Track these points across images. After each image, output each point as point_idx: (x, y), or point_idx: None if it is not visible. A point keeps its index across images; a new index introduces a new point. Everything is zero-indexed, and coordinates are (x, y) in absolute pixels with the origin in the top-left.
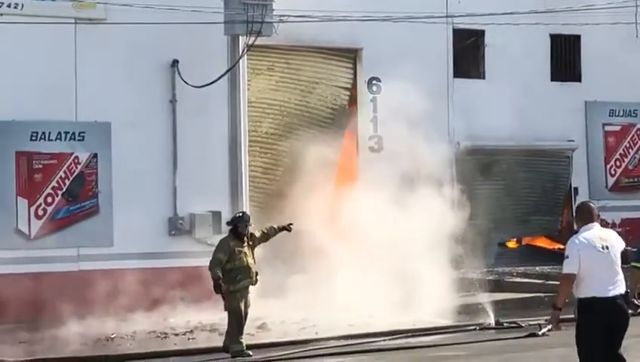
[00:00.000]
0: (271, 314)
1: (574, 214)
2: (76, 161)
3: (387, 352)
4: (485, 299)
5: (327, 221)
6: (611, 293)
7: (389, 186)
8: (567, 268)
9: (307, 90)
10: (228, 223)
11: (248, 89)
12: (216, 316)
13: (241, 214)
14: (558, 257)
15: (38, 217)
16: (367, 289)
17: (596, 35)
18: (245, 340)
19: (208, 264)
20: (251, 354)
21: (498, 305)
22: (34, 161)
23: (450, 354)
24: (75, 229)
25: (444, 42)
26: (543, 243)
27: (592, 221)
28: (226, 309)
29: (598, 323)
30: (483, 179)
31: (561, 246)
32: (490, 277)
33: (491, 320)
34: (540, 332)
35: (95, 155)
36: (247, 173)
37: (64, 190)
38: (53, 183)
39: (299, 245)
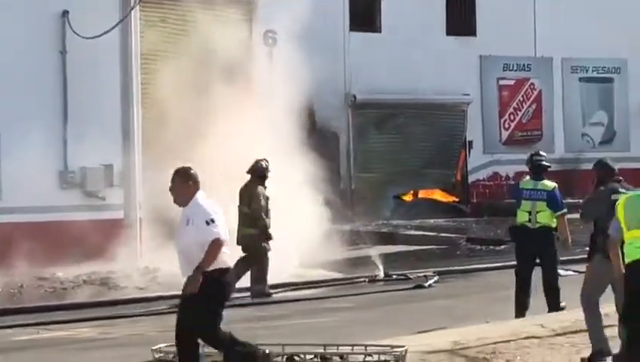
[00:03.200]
0: (162, 265)
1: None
2: None
3: (275, 304)
4: (375, 251)
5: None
6: None
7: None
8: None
9: (201, 42)
10: (255, 171)
11: (141, 41)
12: (105, 270)
13: (267, 163)
14: (453, 210)
15: None
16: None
17: None
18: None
19: (258, 214)
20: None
21: (390, 258)
22: None
23: (337, 306)
24: None
25: None
26: (438, 196)
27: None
28: (255, 255)
29: None
30: (379, 133)
31: (456, 199)
32: (385, 230)
33: (381, 272)
34: (426, 284)
35: None
36: (140, 126)
37: None
38: None
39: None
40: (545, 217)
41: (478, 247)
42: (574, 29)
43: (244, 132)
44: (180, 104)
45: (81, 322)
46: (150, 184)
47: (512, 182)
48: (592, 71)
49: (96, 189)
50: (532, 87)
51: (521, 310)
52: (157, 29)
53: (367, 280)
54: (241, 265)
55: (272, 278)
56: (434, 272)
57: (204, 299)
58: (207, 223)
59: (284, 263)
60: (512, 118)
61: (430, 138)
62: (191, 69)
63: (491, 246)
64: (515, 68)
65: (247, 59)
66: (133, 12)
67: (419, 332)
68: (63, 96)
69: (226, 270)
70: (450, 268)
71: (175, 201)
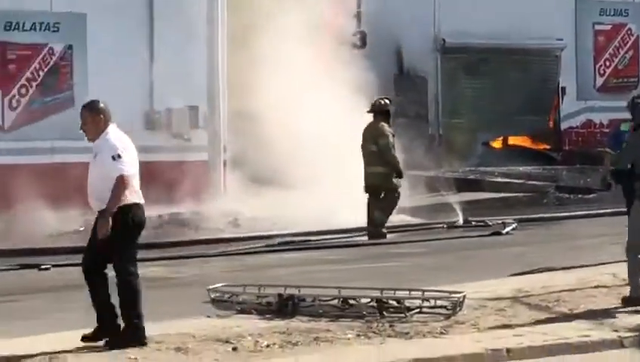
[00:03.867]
0: (244, 208)
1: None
2: (51, 52)
3: (348, 248)
4: (459, 198)
5: (304, 119)
6: None
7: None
8: None
9: None
10: (377, 109)
11: None
12: (187, 211)
13: (389, 99)
14: (543, 157)
15: (12, 108)
16: (335, 187)
17: None
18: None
19: (388, 151)
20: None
21: (474, 205)
22: (8, 52)
23: (411, 251)
24: (50, 121)
25: None
26: (528, 143)
27: None
28: (385, 195)
29: None
30: (469, 78)
31: (547, 147)
32: (472, 177)
33: (460, 218)
34: (503, 231)
35: (70, 47)
36: (225, 68)
37: (38, 81)
38: (28, 74)
39: (277, 143)
40: None
41: (567, 196)
42: None
43: (331, 76)
44: (266, 48)
45: (155, 261)
46: (235, 126)
47: (607, 130)
48: None
49: (181, 131)
50: (629, 32)
51: None
52: None
53: (445, 226)
54: (377, 206)
55: (349, 223)
56: (514, 220)
57: (114, 234)
58: (114, 158)
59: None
60: (607, 64)
61: (522, 84)
62: (277, 11)
63: (580, 195)
64: (611, 13)
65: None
66: None
67: (487, 279)
68: (149, 37)
69: (135, 205)
70: (532, 215)
71: (88, 137)
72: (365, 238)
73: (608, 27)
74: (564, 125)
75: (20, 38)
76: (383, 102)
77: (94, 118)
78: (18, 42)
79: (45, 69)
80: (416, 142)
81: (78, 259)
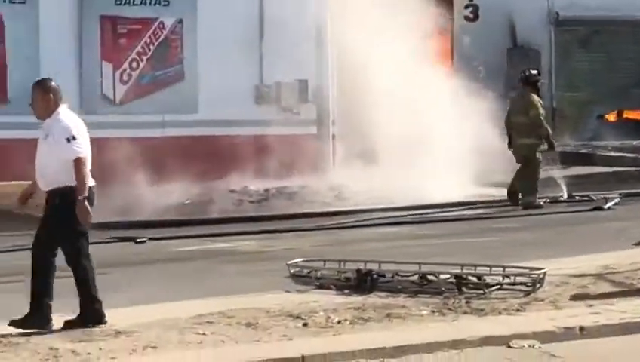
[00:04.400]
0: (351, 182)
1: None
2: (161, 26)
3: (441, 223)
4: (567, 172)
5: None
6: None
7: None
8: None
9: None
10: (527, 80)
11: None
12: (295, 184)
13: (537, 70)
14: None
15: (123, 82)
16: (441, 162)
17: None
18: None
19: (539, 121)
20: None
21: (583, 179)
22: (119, 26)
23: (506, 226)
24: (160, 95)
25: None
26: None
27: None
28: (530, 163)
29: None
30: (583, 51)
31: None
32: (584, 151)
33: (564, 193)
34: (605, 206)
35: (180, 21)
36: (332, 42)
37: (149, 55)
38: (138, 48)
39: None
40: None
41: None
42: None
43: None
44: (375, 21)
45: (250, 235)
46: (344, 100)
47: None
48: None
49: (290, 104)
50: None
51: None
52: None
53: (547, 200)
54: (524, 176)
55: (445, 197)
56: (620, 194)
57: (58, 215)
58: (68, 140)
59: (461, 181)
60: None
61: (636, 56)
62: None
63: None
64: None
65: None
66: None
67: (578, 256)
68: (259, 9)
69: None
70: (637, 190)
71: (36, 115)
72: (465, 213)
73: None
74: None
75: (130, 12)
76: (530, 72)
77: (44, 97)
78: (129, 17)
79: (156, 43)
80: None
81: (180, 231)
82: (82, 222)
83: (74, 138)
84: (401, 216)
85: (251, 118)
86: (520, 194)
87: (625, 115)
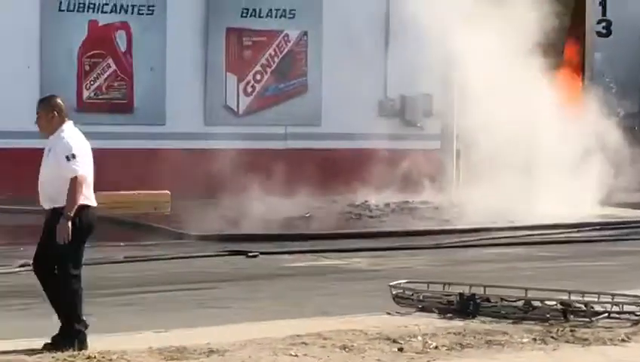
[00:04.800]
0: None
1: None
2: (286, 38)
3: (561, 244)
4: None
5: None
6: None
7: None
8: None
9: None
10: None
11: None
12: (417, 199)
13: None
14: None
15: (246, 94)
16: (566, 181)
17: None
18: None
19: None
20: None
21: None
22: (244, 38)
23: (625, 249)
24: (283, 107)
25: None
26: None
27: None
28: None
29: None
30: None
31: None
32: None
33: None
34: None
35: (305, 33)
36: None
37: (273, 67)
38: (263, 60)
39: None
40: None
41: None
42: None
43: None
44: (502, 37)
45: (363, 251)
46: (469, 115)
47: None
48: None
49: (414, 118)
50: None
51: None
52: None
53: None
54: None
55: (569, 217)
56: None
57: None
58: (68, 158)
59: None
60: None
61: None
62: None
63: None
64: None
65: None
66: None
67: None
68: (385, 23)
69: (85, 207)
70: None
71: (41, 131)
72: (587, 234)
73: None
74: None
75: (256, 24)
76: None
77: (48, 113)
78: (254, 29)
79: (280, 55)
80: None
81: (294, 246)
82: (58, 240)
83: (74, 156)
84: (520, 236)
85: (374, 131)
86: None
87: None
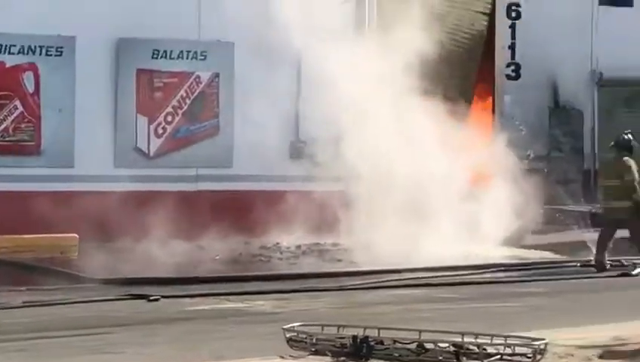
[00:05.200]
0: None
1: None
2: (197, 80)
3: (464, 286)
4: (585, 236)
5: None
6: None
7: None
8: None
9: (443, 13)
10: (619, 144)
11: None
12: (329, 241)
13: (631, 135)
14: None
15: (157, 135)
16: (461, 223)
17: None
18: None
19: (634, 187)
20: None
21: (623, 243)
22: (155, 80)
23: (525, 290)
24: (195, 149)
25: None
26: None
27: None
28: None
29: None
30: (627, 112)
31: None
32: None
33: (592, 257)
34: (633, 272)
35: (217, 75)
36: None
37: (185, 109)
38: (174, 102)
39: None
40: None
41: None
42: None
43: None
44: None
45: (267, 294)
46: (373, 158)
47: None
48: None
49: (325, 160)
50: None
51: None
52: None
53: (578, 264)
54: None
55: (473, 258)
56: None
57: None
58: None
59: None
60: None
61: None
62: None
63: None
64: None
65: (489, 32)
66: None
67: (593, 324)
68: (297, 67)
69: None
70: None
71: None
72: (492, 275)
73: None
74: None
75: (167, 66)
76: (627, 137)
77: None
78: (165, 70)
79: (192, 97)
80: (570, 177)
81: (198, 289)
82: None
83: None
84: (423, 277)
85: (286, 173)
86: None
87: None
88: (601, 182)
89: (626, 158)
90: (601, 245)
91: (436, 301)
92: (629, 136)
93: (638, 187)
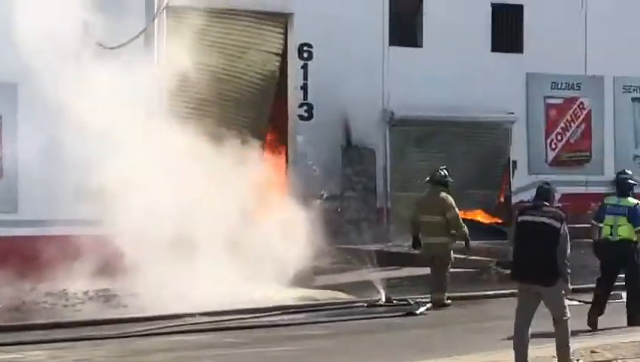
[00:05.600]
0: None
1: None
2: None
3: (250, 329)
4: (397, 274)
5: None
6: None
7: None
8: None
9: (236, 54)
10: (434, 179)
11: (173, 52)
12: (111, 286)
13: (445, 170)
14: (495, 232)
15: None
16: (249, 265)
17: (539, 5)
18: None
19: (459, 222)
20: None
21: (412, 281)
22: None
23: (311, 332)
24: None
25: (379, 9)
26: (480, 217)
27: None
28: (446, 262)
29: None
30: (418, 151)
31: (499, 221)
32: (416, 251)
33: (382, 296)
34: (417, 311)
35: (0, 117)
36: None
37: None
38: None
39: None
40: (625, 231)
41: (507, 272)
42: (628, 47)
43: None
44: (208, 117)
45: (46, 343)
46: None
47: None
48: None
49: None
50: (581, 106)
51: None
52: (189, 39)
53: (366, 304)
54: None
55: (261, 301)
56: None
57: None
58: None
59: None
60: (559, 138)
61: (472, 157)
62: (225, 81)
63: None
64: (563, 86)
65: (282, 73)
66: (159, 22)
67: None
68: None
69: None
70: (453, 294)
71: None
72: (278, 318)
73: (560, 101)
74: (515, 199)
75: None
76: (442, 173)
77: None
78: None
79: None
80: (363, 216)
81: None
82: None
83: None
84: (210, 321)
85: (72, 217)
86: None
87: (461, 216)
88: (421, 218)
89: (444, 195)
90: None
91: (216, 346)
92: (445, 171)
93: (461, 221)
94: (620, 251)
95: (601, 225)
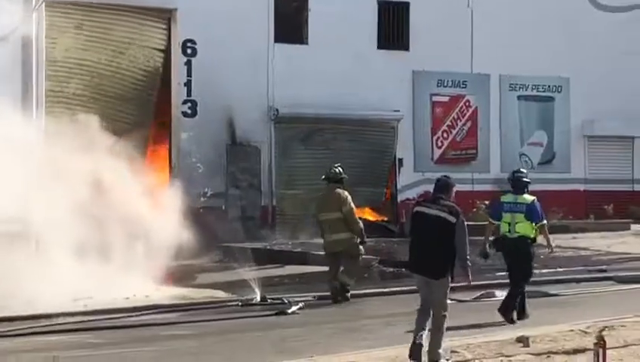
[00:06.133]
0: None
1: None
2: None
3: (116, 330)
4: (277, 272)
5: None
6: None
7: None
8: None
9: (118, 50)
10: (331, 177)
11: (53, 47)
12: None
13: (340, 167)
14: (381, 229)
15: None
16: (122, 263)
17: (426, 2)
18: None
19: (353, 217)
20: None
21: (291, 279)
22: None
23: (178, 332)
24: None
25: (264, 5)
26: (367, 214)
27: None
28: (355, 255)
29: None
30: (304, 148)
31: (385, 218)
32: (298, 250)
33: (257, 295)
34: (289, 311)
35: None
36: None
37: None
38: None
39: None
40: (522, 228)
41: (390, 270)
42: (514, 46)
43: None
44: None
45: None
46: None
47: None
48: (532, 89)
49: None
50: (467, 104)
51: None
52: (71, 35)
53: (240, 304)
54: (345, 269)
55: (135, 300)
56: (314, 297)
57: None
58: None
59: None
60: (445, 135)
61: (359, 155)
62: (107, 77)
63: (403, 270)
64: (449, 84)
65: (165, 69)
66: (38, 17)
67: None
68: None
69: None
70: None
71: None
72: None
73: (446, 98)
74: (401, 197)
75: None
76: (337, 170)
77: None
78: None
79: None
80: (248, 213)
81: None
82: None
83: None
84: (76, 322)
85: None
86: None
87: None
88: (320, 217)
89: (340, 191)
90: (332, 276)
91: (83, 347)
92: (339, 168)
93: (356, 217)
94: (518, 246)
95: (497, 222)
